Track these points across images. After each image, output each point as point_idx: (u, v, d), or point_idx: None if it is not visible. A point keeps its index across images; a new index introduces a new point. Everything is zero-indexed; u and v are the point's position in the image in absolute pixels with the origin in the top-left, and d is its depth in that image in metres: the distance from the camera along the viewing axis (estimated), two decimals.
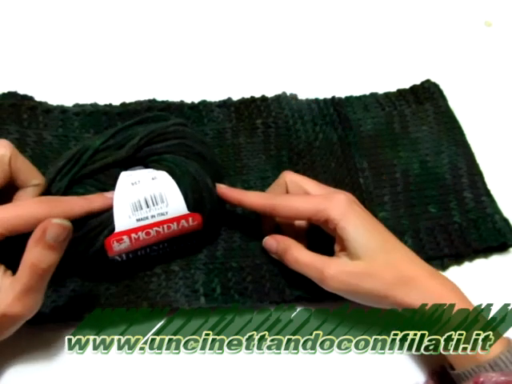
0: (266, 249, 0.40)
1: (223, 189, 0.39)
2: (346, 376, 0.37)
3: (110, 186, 0.36)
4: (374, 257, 0.35)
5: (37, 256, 0.31)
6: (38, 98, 0.47)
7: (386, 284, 0.35)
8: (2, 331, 0.32)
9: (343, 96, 0.50)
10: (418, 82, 0.52)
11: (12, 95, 0.47)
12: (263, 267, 0.40)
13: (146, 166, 0.38)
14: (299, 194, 0.39)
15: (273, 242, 0.40)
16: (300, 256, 0.37)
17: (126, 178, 0.36)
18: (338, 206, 0.36)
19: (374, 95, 0.51)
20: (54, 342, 0.36)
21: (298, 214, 0.37)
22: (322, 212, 0.36)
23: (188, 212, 0.37)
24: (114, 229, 0.35)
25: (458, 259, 0.43)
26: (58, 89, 0.49)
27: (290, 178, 0.40)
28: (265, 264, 0.41)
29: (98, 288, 0.38)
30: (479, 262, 0.43)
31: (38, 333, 0.35)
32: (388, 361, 0.38)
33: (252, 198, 0.39)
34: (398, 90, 0.51)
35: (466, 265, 0.43)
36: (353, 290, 0.36)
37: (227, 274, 0.40)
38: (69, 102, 0.47)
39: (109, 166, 0.37)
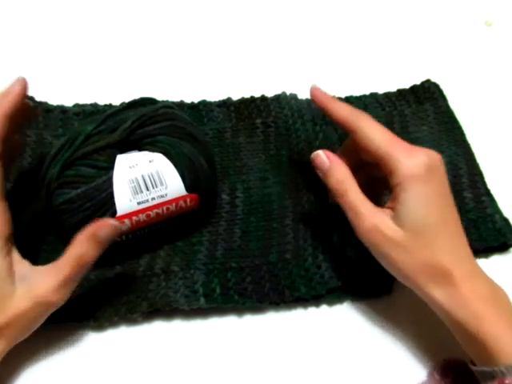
0: (313, 162, 0.37)
1: (316, 90, 0.39)
2: (347, 376, 0.37)
3: (104, 164, 0.36)
4: (417, 234, 0.33)
5: (85, 250, 0.33)
6: (38, 98, 0.47)
7: (415, 267, 0.33)
8: (37, 320, 0.33)
9: (343, 96, 0.50)
10: (418, 82, 0.52)
11: None
12: (263, 268, 0.40)
13: (140, 150, 0.38)
14: (385, 129, 0.35)
15: (325, 161, 0.36)
16: (351, 193, 0.35)
17: (123, 161, 0.37)
18: (412, 166, 0.33)
19: (373, 95, 0.51)
20: (53, 342, 0.37)
21: (371, 147, 0.35)
22: (394, 161, 0.33)
23: (186, 193, 0.37)
24: (115, 212, 0.35)
25: None
26: (58, 89, 0.49)
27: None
28: (264, 265, 0.40)
29: (98, 288, 0.38)
30: (479, 262, 0.42)
31: (37, 333, 0.34)
32: (388, 360, 0.38)
33: (339, 112, 0.37)
34: (398, 90, 0.51)
35: None
36: (380, 253, 0.34)
37: (227, 275, 0.40)
38: (69, 102, 0.47)
39: (102, 148, 0.37)
